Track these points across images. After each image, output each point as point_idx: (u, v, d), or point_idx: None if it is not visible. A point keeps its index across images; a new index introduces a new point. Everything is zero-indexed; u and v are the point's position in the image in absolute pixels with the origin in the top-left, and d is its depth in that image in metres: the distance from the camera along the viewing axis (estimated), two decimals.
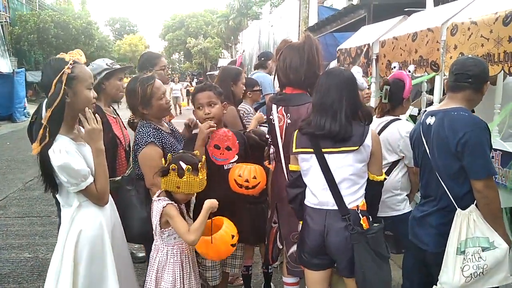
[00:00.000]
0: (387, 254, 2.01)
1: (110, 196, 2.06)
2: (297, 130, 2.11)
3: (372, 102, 3.92)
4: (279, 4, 21.49)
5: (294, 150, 2.08)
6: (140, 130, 2.34)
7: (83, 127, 1.95)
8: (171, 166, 1.99)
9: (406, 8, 4.62)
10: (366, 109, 2.10)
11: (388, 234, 2.41)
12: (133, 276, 2.26)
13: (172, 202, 2.05)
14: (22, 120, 13.49)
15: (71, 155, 1.81)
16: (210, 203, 2.04)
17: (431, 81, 3.83)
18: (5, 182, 6.33)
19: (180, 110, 15.23)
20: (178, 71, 50.92)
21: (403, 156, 2.53)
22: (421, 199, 2.22)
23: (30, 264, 3.59)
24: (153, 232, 2.11)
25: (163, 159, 2.09)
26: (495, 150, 2.55)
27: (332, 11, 8.70)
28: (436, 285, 2.01)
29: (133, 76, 2.58)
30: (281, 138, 2.33)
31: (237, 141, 2.39)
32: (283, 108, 2.32)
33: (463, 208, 1.93)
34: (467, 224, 1.91)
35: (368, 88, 3.72)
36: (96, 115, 1.98)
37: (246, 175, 2.29)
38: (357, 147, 1.94)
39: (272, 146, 2.52)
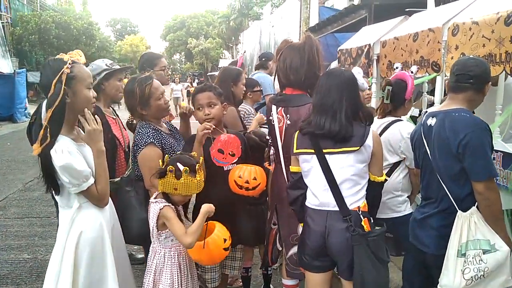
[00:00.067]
0: (387, 258, 1.99)
1: (109, 197, 2.04)
2: (297, 131, 2.09)
3: (373, 103, 3.91)
4: (280, 4, 21.50)
5: (294, 150, 2.07)
6: (140, 130, 2.32)
7: (81, 128, 1.94)
8: (168, 168, 1.98)
9: (407, 9, 4.61)
10: (367, 110, 2.09)
11: (388, 236, 2.39)
12: (131, 278, 2.24)
13: (169, 204, 2.04)
14: (23, 120, 13.49)
15: (73, 155, 1.81)
16: (207, 208, 2.03)
17: (432, 82, 3.81)
18: (5, 182, 6.33)
19: None
20: (179, 71, 51.00)
21: (404, 157, 2.51)
22: (421, 201, 2.21)
23: (29, 265, 3.57)
24: (151, 234, 2.10)
25: (160, 160, 2.08)
26: (496, 151, 2.54)
27: (333, 12, 8.68)
28: (436, 287, 1.99)
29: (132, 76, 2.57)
30: (281, 139, 2.32)
31: (240, 146, 2.38)
32: (283, 109, 2.31)
33: (464, 210, 1.92)
34: (468, 226, 1.89)
35: (368, 89, 3.70)
36: (96, 116, 1.97)
37: (246, 176, 2.28)
38: (358, 147, 1.93)
39: (272, 147, 2.51)
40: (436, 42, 2.98)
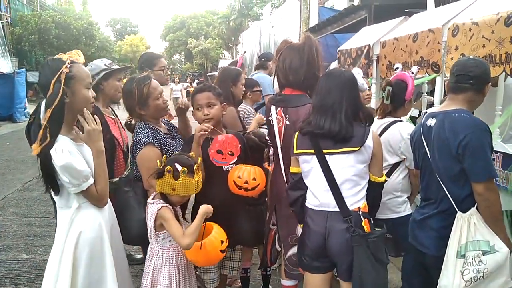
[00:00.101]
0: (386, 260, 1.99)
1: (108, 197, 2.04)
2: (297, 132, 2.09)
3: (373, 103, 3.90)
4: (279, 5, 21.51)
5: (294, 151, 2.07)
6: (138, 131, 2.32)
7: (80, 128, 1.93)
8: (166, 168, 1.97)
9: (407, 9, 4.60)
10: (367, 110, 2.09)
11: (387, 236, 2.39)
12: (129, 278, 2.24)
13: (167, 204, 2.03)
14: (23, 120, 13.48)
15: (74, 155, 1.80)
16: (206, 208, 2.02)
17: (432, 82, 3.81)
18: (4, 182, 6.32)
19: None
20: (179, 71, 50.98)
21: (404, 158, 2.51)
22: (421, 202, 2.20)
23: (28, 266, 3.57)
24: (148, 235, 2.09)
25: (158, 160, 2.07)
26: (496, 152, 2.53)
27: (333, 12, 8.69)
28: None
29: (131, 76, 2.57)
30: (280, 139, 2.31)
31: (239, 145, 2.37)
32: (282, 109, 2.30)
33: (464, 211, 1.91)
34: (468, 227, 1.89)
35: (368, 89, 3.69)
36: (95, 116, 1.97)
37: (245, 176, 2.28)
38: (358, 148, 1.93)
39: (271, 148, 2.50)
40: (436, 43, 2.98)
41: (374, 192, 2.05)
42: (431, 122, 2.05)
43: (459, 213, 1.92)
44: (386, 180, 2.12)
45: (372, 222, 2.01)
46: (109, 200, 2.06)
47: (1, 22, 16.80)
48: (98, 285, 1.90)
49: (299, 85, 2.28)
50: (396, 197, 2.54)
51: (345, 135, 1.93)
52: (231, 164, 2.38)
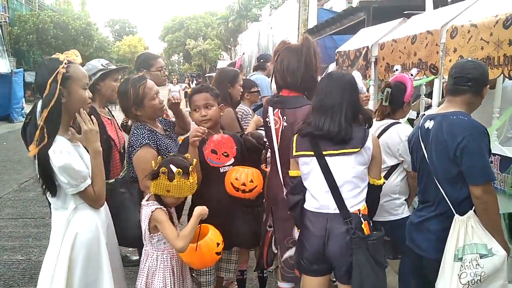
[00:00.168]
0: (385, 262, 1.98)
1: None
2: (296, 134, 2.08)
3: (371, 105, 3.89)
4: (278, 6, 21.51)
5: (294, 153, 2.06)
6: (135, 131, 2.30)
7: (75, 128, 1.92)
8: (161, 169, 1.95)
9: (405, 11, 4.61)
10: (366, 113, 2.10)
11: (385, 239, 2.38)
12: (123, 280, 2.23)
13: (161, 206, 2.02)
14: (20, 120, 13.43)
15: (72, 155, 1.80)
16: (201, 210, 2.00)
17: (430, 84, 3.81)
18: (0, 183, 6.28)
19: None
20: (177, 72, 50.95)
21: (403, 160, 2.50)
22: (419, 204, 2.20)
23: (22, 267, 3.54)
24: (143, 237, 2.07)
25: (153, 161, 2.05)
26: (494, 155, 2.52)
27: (331, 14, 8.70)
28: None
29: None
30: (277, 141, 2.30)
31: (235, 147, 2.36)
32: (279, 110, 2.29)
33: (461, 214, 1.90)
34: (465, 230, 1.88)
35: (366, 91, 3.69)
36: (92, 116, 1.96)
37: (243, 178, 2.26)
38: (359, 149, 1.93)
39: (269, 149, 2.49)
40: (434, 45, 2.97)
41: (373, 195, 2.05)
42: (429, 124, 2.04)
43: (456, 216, 1.91)
44: (384, 183, 2.12)
45: (371, 224, 2.01)
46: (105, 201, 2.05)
47: None
48: (95, 286, 1.89)
49: (297, 87, 2.27)
50: (394, 199, 2.53)
51: (344, 136, 1.93)
52: (228, 165, 2.37)
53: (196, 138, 2.22)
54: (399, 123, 2.58)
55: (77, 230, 1.84)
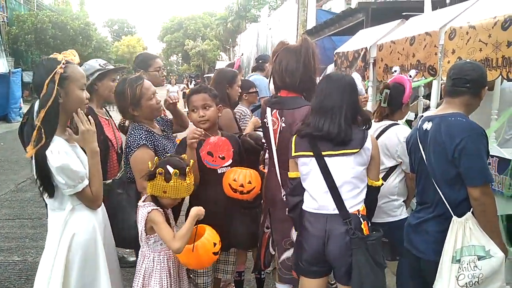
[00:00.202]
0: (384, 263, 1.98)
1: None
2: (295, 135, 2.08)
3: (369, 106, 3.89)
4: (277, 7, 21.53)
5: (293, 154, 2.06)
6: (132, 132, 2.29)
7: (72, 129, 1.91)
8: (158, 170, 1.94)
9: (404, 12, 4.61)
10: (365, 114, 2.10)
11: (383, 240, 2.37)
12: (120, 281, 2.22)
13: (158, 207, 2.01)
14: (17, 120, 13.38)
15: (70, 156, 1.79)
16: (197, 211, 1.99)
17: (429, 86, 3.81)
18: None
19: None
20: (176, 73, 50.93)
21: (401, 162, 2.50)
22: (417, 206, 2.19)
23: (19, 268, 3.52)
24: (139, 238, 2.06)
25: (150, 162, 2.04)
26: (492, 156, 2.52)
27: (330, 15, 8.70)
28: None
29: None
30: (275, 141, 2.29)
31: (232, 150, 2.35)
32: (278, 111, 2.29)
33: (459, 216, 1.90)
34: (463, 232, 1.87)
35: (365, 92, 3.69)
36: (89, 116, 1.95)
37: (241, 179, 2.26)
38: (358, 150, 1.94)
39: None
40: (432, 46, 2.97)
41: (371, 196, 2.05)
42: (427, 125, 2.04)
43: (454, 217, 1.90)
44: (382, 184, 2.12)
45: (370, 225, 2.01)
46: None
47: None
48: (92, 287, 1.88)
49: (295, 87, 2.27)
50: (392, 201, 2.53)
51: (344, 138, 1.94)
52: (226, 166, 2.36)
53: (194, 140, 2.21)
54: (398, 124, 2.57)
55: (74, 231, 1.83)
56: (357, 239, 1.89)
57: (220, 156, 2.27)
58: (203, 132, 2.24)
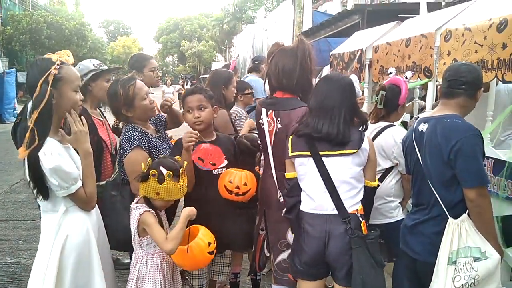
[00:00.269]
0: (383, 262, 1.99)
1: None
2: (291, 135, 2.07)
3: (365, 108, 3.90)
4: (273, 8, 21.56)
5: (290, 154, 2.05)
6: (126, 133, 2.27)
7: (65, 130, 1.89)
8: (151, 172, 1.93)
9: (399, 14, 4.63)
10: (362, 116, 2.11)
11: (380, 241, 2.37)
12: (114, 284, 2.20)
13: (150, 209, 1.99)
14: (11, 121, 13.28)
15: (63, 157, 1.77)
16: (189, 211, 1.98)
17: (425, 87, 3.82)
18: None
19: None
20: (172, 74, 50.85)
21: (397, 163, 2.49)
22: (412, 207, 2.19)
23: (12, 270, 3.48)
24: (132, 241, 2.04)
25: (143, 163, 2.02)
26: (487, 158, 2.53)
27: (326, 16, 8.73)
28: None
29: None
30: (271, 142, 2.28)
31: (224, 157, 2.35)
32: (273, 112, 2.27)
33: (455, 217, 1.89)
34: (459, 233, 1.87)
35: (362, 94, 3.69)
36: (82, 117, 1.93)
37: (237, 181, 2.25)
38: (356, 150, 1.94)
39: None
40: (428, 48, 2.98)
41: (367, 196, 2.05)
42: (423, 127, 2.04)
43: (450, 219, 1.90)
44: (378, 185, 2.12)
45: (368, 224, 2.02)
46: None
47: None
48: None
49: (292, 89, 2.26)
50: (388, 202, 2.52)
51: (342, 139, 1.94)
52: (221, 168, 2.35)
53: (190, 143, 2.19)
54: (394, 125, 2.57)
55: (68, 233, 1.81)
56: (357, 238, 1.89)
57: (211, 162, 2.28)
58: (198, 134, 2.23)
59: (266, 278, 3.13)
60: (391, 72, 2.89)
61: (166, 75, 38.09)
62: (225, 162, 2.39)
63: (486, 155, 2.34)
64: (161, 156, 2.19)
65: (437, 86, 3.16)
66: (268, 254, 2.47)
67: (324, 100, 2.00)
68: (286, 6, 12.43)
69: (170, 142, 2.55)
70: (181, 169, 2.00)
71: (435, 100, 3.11)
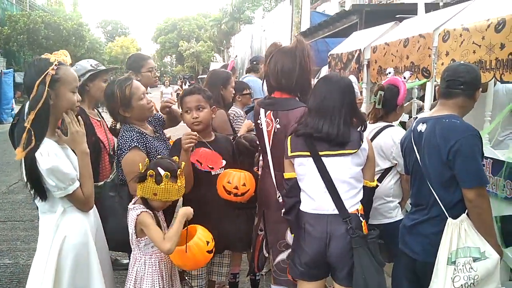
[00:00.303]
0: (383, 261, 1.99)
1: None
2: (290, 135, 2.07)
3: (363, 108, 3.89)
4: (271, 9, 21.56)
5: (289, 154, 2.05)
6: (124, 134, 2.26)
7: (62, 131, 1.88)
8: (148, 172, 1.92)
9: (397, 15, 4.63)
10: (361, 116, 2.12)
11: (379, 242, 2.37)
12: (113, 285, 2.19)
13: (147, 210, 1.98)
14: (9, 121, 13.23)
15: (60, 157, 1.76)
16: (185, 210, 1.97)
17: (423, 88, 3.82)
18: None
19: None
20: (170, 74, 50.79)
21: (396, 163, 2.49)
22: (411, 208, 2.19)
23: (10, 271, 3.47)
24: (130, 241, 2.04)
25: (140, 164, 2.01)
26: (486, 158, 2.53)
27: (324, 17, 8.75)
28: None
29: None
30: (269, 143, 2.28)
31: (221, 160, 2.36)
32: (272, 112, 2.27)
33: (454, 217, 1.89)
34: (458, 233, 1.87)
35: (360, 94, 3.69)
36: (79, 117, 1.92)
37: (235, 182, 2.24)
38: (356, 150, 1.95)
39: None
40: (426, 48, 2.98)
41: (366, 197, 2.05)
42: (422, 127, 2.04)
43: (449, 219, 1.90)
44: (377, 185, 2.13)
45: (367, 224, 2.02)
46: (94, 204, 2.01)
47: None
48: None
49: (291, 89, 2.25)
50: (387, 202, 2.52)
51: (342, 140, 1.95)
52: (220, 168, 2.35)
53: (190, 144, 2.19)
54: (392, 126, 2.57)
55: (65, 234, 1.80)
56: (358, 238, 1.89)
57: (209, 166, 2.28)
58: (198, 136, 2.23)
59: (265, 279, 3.13)
60: (389, 73, 2.88)
61: (164, 75, 38.02)
62: (223, 163, 2.38)
63: (484, 155, 2.34)
64: (159, 156, 2.18)
65: (435, 87, 3.16)
66: (267, 255, 2.46)
67: (324, 100, 2.00)
68: (284, 7, 12.42)
69: (168, 143, 2.54)
70: (179, 170, 1.99)
71: (433, 101, 3.11)
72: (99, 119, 2.85)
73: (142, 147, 2.23)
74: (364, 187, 2.03)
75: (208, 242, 2.01)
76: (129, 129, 2.27)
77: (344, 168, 1.96)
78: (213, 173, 2.35)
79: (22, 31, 18.59)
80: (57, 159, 1.74)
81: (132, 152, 2.19)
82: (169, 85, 16.94)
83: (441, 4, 4.65)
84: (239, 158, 2.54)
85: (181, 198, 2.20)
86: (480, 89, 2.02)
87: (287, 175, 2.11)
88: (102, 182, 2.43)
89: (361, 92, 3.96)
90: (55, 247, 1.78)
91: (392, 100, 2.53)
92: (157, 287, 2.00)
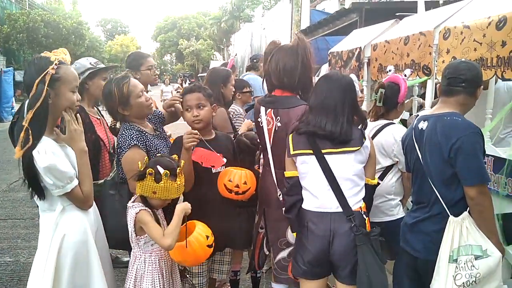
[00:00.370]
0: (385, 259, 1.99)
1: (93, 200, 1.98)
2: (291, 134, 2.07)
3: (364, 106, 3.89)
4: (271, 7, 21.54)
5: (292, 152, 2.04)
6: (123, 132, 2.25)
7: (60, 130, 1.88)
8: (148, 170, 1.91)
9: (397, 13, 4.62)
10: (362, 114, 2.12)
11: (380, 240, 2.37)
12: (114, 283, 2.18)
13: (146, 208, 1.98)
14: (9, 120, 13.11)
15: (57, 156, 1.75)
16: (183, 206, 1.97)
17: (424, 85, 3.81)
18: None
19: None
20: (170, 72, 50.76)
21: (397, 161, 2.49)
22: (413, 205, 2.19)
23: (11, 269, 3.47)
24: (130, 240, 2.03)
25: (140, 162, 2.01)
26: (487, 155, 2.52)
27: (324, 15, 8.73)
28: None
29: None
30: (270, 141, 2.27)
31: (222, 159, 2.35)
32: (273, 110, 2.26)
33: (456, 215, 1.89)
34: (460, 231, 1.87)
35: (361, 91, 3.68)
36: (78, 115, 1.91)
37: (236, 180, 2.24)
38: (359, 147, 1.95)
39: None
40: (427, 46, 2.97)
41: (367, 194, 2.05)
42: (423, 125, 2.03)
43: (451, 217, 1.89)
44: (378, 183, 2.13)
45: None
46: (94, 202, 2.01)
47: None
48: None
49: (293, 87, 2.25)
50: (389, 200, 2.52)
51: (345, 138, 1.95)
52: (221, 166, 2.34)
53: (191, 143, 2.18)
54: (393, 123, 2.57)
55: (65, 232, 1.80)
56: (362, 235, 1.90)
57: (210, 165, 2.28)
58: (199, 135, 2.22)
59: (266, 276, 3.13)
60: (389, 70, 2.88)
61: (164, 73, 38.02)
62: (224, 161, 2.38)
63: (486, 153, 2.34)
64: (158, 155, 2.17)
65: (436, 84, 3.15)
66: (267, 253, 2.46)
67: (325, 99, 2.00)
68: (284, 5, 12.41)
69: (168, 141, 2.54)
70: (178, 168, 1.98)
71: (434, 98, 3.10)
72: (98, 117, 2.85)
73: (142, 145, 2.22)
74: (365, 185, 2.04)
75: (207, 237, 2.01)
76: (129, 127, 2.26)
77: (347, 165, 1.96)
78: (213, 171, 2.34)
79: (22, 30, 18.56)
80: (54, 157, 1.73)
81: (131, 151, 2.18)
82: (169, 84, 16.94)
83: (440, 2, 4.64)
84: (239, 156, 2.54)
85: (182, 197, 2.20)
86: (481, 86, 2.02)
87: (288, 173, 2.11)
88: (102, 180, 2.43)
89: (361, 90, 3.95)
90: (55, 245, 1.78)
91: (393, 98, 2.53)
92: (157, 285, 2.00)
